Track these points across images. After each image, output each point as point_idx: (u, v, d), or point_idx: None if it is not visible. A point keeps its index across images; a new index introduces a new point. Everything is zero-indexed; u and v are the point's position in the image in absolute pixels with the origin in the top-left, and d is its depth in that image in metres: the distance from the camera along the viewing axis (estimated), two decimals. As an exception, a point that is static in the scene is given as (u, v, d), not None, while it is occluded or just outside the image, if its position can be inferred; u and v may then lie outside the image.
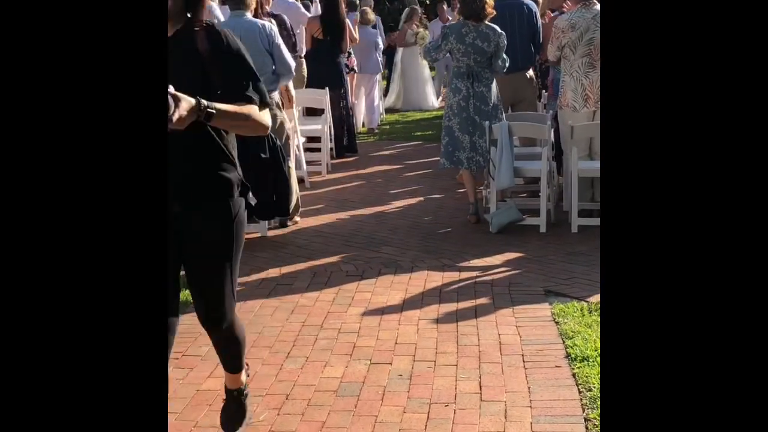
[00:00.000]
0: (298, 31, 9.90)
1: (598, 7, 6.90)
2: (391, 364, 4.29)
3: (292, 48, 8.81)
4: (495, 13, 7.10)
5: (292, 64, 6.99)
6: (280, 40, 6.93)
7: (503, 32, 7.05)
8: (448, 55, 7.24)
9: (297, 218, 7.23)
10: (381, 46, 12.66)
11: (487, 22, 6.99)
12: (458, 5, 7.37)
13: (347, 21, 10.26)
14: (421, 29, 14.55)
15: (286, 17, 9.03)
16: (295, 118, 8.09)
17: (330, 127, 9.82)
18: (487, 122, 6.94)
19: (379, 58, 12.70)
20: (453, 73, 7.16)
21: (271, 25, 7.01)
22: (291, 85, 7.68)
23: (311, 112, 9.84)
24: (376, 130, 12.51)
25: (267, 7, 8.89)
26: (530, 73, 8.21)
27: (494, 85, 7.11)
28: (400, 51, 15.05)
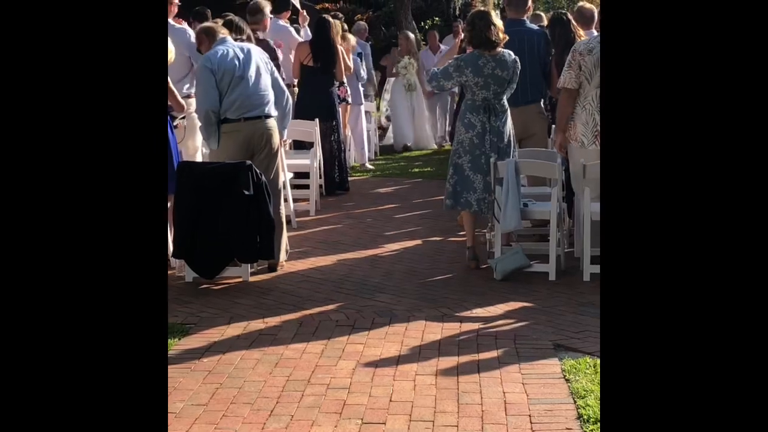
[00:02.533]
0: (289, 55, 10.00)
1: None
2: (384, 424, 4.25)
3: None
4: (508, 37, 7.14)
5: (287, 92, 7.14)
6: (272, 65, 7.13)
7: (516, 56, 7.12)
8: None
9: (283, 262, 7.22)
10: (363, 74, 12.16)
11: (500, 48, 7.03)
12: (465, 34, 7.34)
13: (339, 47, 10.30)
14: (405, 58, 14.13)
15: (271, 41, 9.11)
16: (281, 151, 8.10)
17: (320, 161, 9.85)
18: (492, 158, 6.96)
19: (361, 88, 12.37)
20: (466, 107, 7.13)
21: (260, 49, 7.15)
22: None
23: (299, 146, 9.86)
24: (369, 166, 12.51)
25: (260, 33, 8.99)
26: (540, 106, 8.24)
27: (509, 119, 7.15)
28: (390, 81, 14.81)
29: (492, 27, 6.94)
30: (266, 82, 7.02)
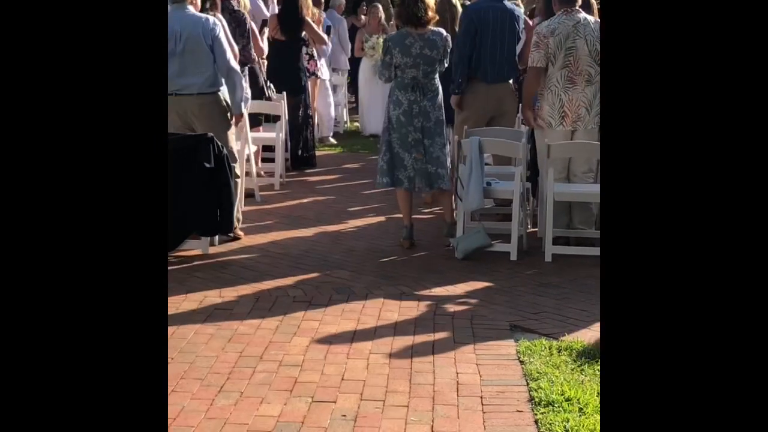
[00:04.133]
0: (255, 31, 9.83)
1: (581, 15, 6.91)
2: (335, 402, 4.22)
3: (242, 49, 8.73)
4: (438, 17, 7.05)
5: (234, 65, 6.94)
6: (223, 36, 6.90)
7: (448, 34, 7.04)
8: None
9: (240, 232, 7.15)
10: (327, 48, 11.42)
11: (431, 27, 6.91)
12: (395, 9, 7.19)
13: (309, 20, 10.18)
14: (374, 37, 12.47)
15: (246, 15, 8.98)
16: (246, 124, 8.03)
17: (286, 135, 9.76)
18: (456, 137, 6.91)
19: (326, 62, 11.92)
20: (396, 84, 6.97)
21: (215, 20, 6.98)
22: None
23: (266, 119, 9.76)
24: (332, 141, 12.37)
25: (233, 2, 8.83)
26: (512, 84, 8.18)
27: (440, 98, 7.03)
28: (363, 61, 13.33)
29: (419, 3, 6.77)
30: (202, 59, 6.85)
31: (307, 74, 10.44)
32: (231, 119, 7.10)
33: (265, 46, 9.87)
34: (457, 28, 8.13)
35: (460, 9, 8.47)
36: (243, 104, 7.14)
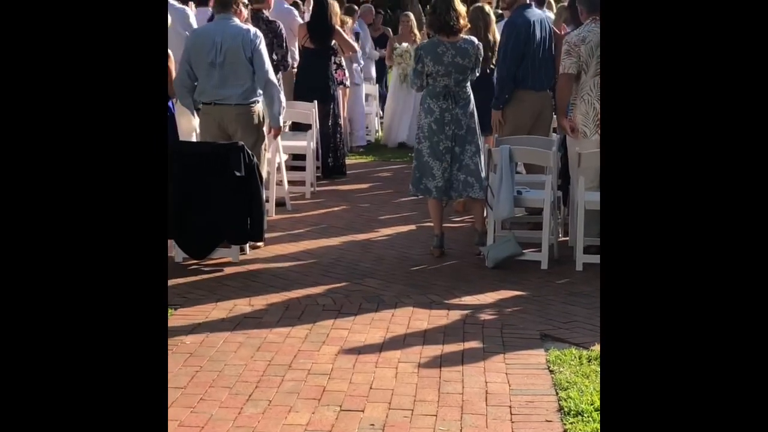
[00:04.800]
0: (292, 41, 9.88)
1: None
2: (363, 411, 4.21)
3: (282, 60, 8.81)
4: (470, 26, 7.04)
5: (272, 78, 6.97)
6: (263, 48, 6.92)
7: (480, 42, 7.03)
8: None
9: (260, 243, 7.17)
10: (359, 55, 11.61)
11: (462, 35, 6.91)
12: (427, 18, 7.19)
13: (339, 29, 10.21)
14: (404, 45, 12.12)
15: (281, 25, 9.00)
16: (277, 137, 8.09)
17: (317, 144, 9.78)
18: (487, 146, 6.88)
19: (359, 69, 12.04)
20: (427, 92, 6.96)
21: (257, 32, 7.01)
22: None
23: (296, 127, 9.78)
24: (361, 150, 12.36)
25: (266, 12, 8.88)
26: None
27: (472, 106, 7.00)
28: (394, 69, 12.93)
29: (452, 12, 6.78)
30: (240, 71, 6.89)
31: (336, 83, 10.45)
32: (266, 130, 7.14)
33: (296, 54, 9.92)
34: (491, 36, 8.12)
35: (493, 17, 8.46)
36: (280, 117, 7.16)
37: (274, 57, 8.59)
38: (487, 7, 8.47)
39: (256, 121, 7.00)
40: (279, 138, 8.16)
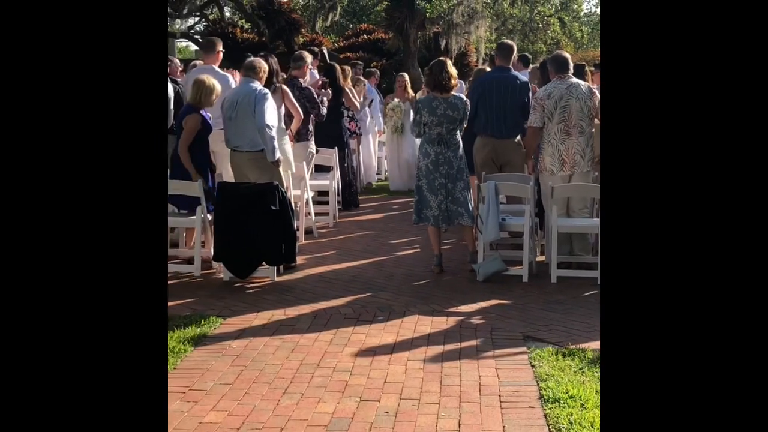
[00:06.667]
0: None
1: (573, 80, 6.90)
2: (379, 401, 4.17)
3: (318, 116, 8.82)
4: (459, 84, 7.04)
5: (271, 123, 6.90)
6: (266, 101, 6.87)
7: (467, 99, 7.03)
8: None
9: (293, 264, 7.11)
10: (367, 111, 11.64)
11: (453, 92, 6.90)
12: (425, 78, 7.24)
13: (346, 89, 10.29)
14: (396, 101, 11.84)
15: (313, 90, 8.96)
16: (306, 174, 8.11)
17: (338, 182, 9.76)
18: (484, 183, 6.86)
19: (370, 120, 12.01)
20: (424, 139, 6.93)
21: (264, 89, 6.95)
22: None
23: (320, 169, 9.76)
24: (374, 185, 12.39)
25: (301, 80, 8.81)
26: (518, 139, 8.09)
27: (461, 150, 6.95)
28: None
29: (444, 73, 6.78)
30: (247, 124, 6.88)
31: (349, 133, 10.47)
32: (281, 169, 7.14)
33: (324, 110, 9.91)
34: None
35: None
36: (273, 155, 6.93)
37: (311, 116, 8.70)
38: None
39: (265, 163, 6.96)
40: (307, 177, 8.17)
